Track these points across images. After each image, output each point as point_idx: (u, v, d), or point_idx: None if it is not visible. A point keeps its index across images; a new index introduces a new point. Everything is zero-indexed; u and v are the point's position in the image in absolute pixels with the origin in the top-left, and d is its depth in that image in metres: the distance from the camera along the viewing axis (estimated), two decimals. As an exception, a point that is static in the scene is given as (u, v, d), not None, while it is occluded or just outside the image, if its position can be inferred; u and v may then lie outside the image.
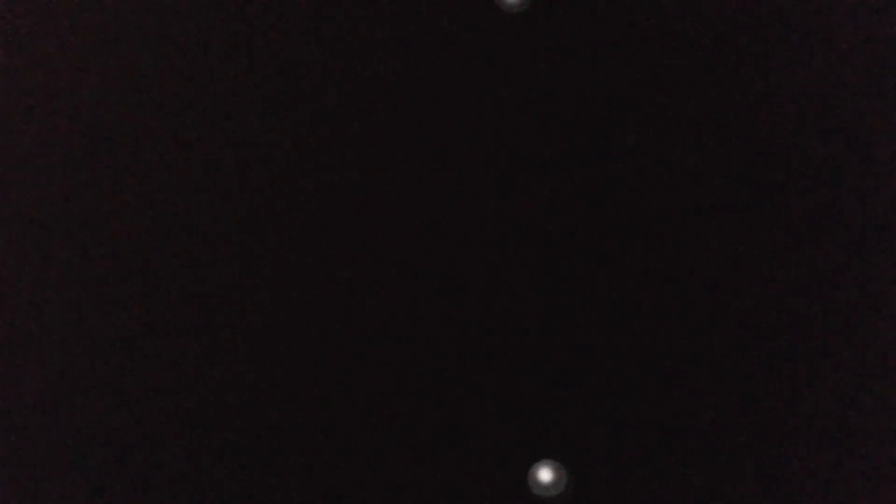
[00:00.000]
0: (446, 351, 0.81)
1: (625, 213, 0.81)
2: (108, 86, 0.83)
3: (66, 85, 0.84)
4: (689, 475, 0.80)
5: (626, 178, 0.81)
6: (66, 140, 0.83)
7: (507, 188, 0.82)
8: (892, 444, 0.79)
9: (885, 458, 0.79)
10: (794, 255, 0.80)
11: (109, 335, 0.82)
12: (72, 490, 0.83)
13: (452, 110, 0.82)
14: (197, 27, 0.83)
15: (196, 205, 0.82)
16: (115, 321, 0.82)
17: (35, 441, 0.83)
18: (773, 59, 0.81)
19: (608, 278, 0.81)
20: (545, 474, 0.80)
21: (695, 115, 0.81)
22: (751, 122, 0.81)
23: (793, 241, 0.80)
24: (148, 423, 0.82)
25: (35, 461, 0.83)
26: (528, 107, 0.82)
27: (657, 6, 0.81)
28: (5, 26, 0.83)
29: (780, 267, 0.80)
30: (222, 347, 0.82)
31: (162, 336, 0.82)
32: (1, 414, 0.83)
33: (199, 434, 0.82)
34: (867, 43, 0.80)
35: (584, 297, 0.81)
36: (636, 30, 0.81)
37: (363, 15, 0.83)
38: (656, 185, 0.81)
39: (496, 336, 0.81)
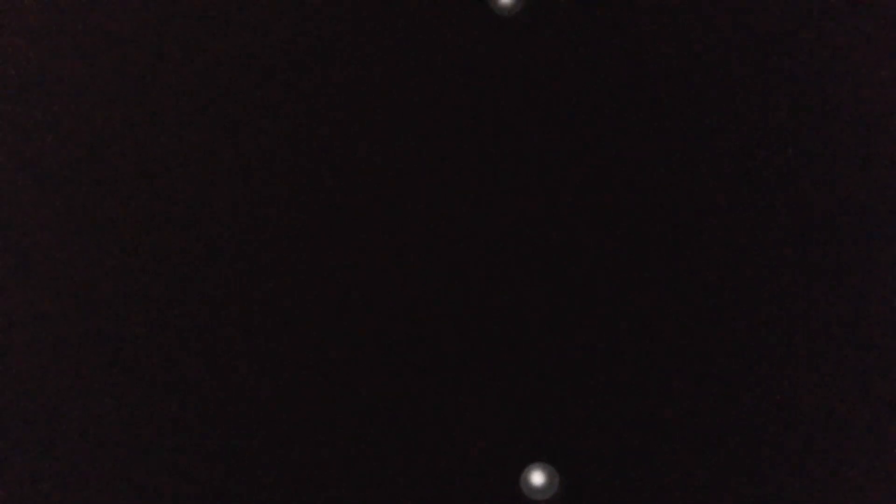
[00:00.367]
0: (439, 354, 0.81)
1: (618, 217, 0.82)
2: (107, 85, 0.82)
3: (66, 84, 0.81)
4: (682, 478, 0.81)
5: (622, 180, 0.82)
6: (66, 140, 0.81)
7: (500, 191, 0.82)
8: (892, 445, 0.82)
9: (884, 459, 0.82)
10: (791, 258, 0.82)
11: (109, 335, 0.81)
12: (72, 490, 0.81)
13: (447, 113, 0.82)
14: (193, 28, 0.82)
15: (194, 205, 0.81)
16: (115, 321, 0.81)
17: (35, 441, 0.80)
18: (772, 61, 0.82)
19: (601, 280, 0.81)
20: (537, 477, 0.80)
21: (691, 116, 0.82)
22: (749, 123, 0.82)
23: (791, 243, 0.82)
24: (148, 423, 0.81)
25: (35, 461, 0.81)
26: (522, 109, 0.82)
27: (652, 10, 0.82)
28: (5, 26, 0.80)
29: (777, 268, 0.82)
30: (221, 347, 0.81)
31: (162, 336, 0.81)
32: (1, 414, 0.80)
33: (199, 434, 0.80)
34: (867, 43, 0.82)
35: (577, 300, 0.81)
36: (631, 33, 0.82)
37: (357, 18, 0.82)
38: (652, 188, 0.82)
39: (489, 339, 0.81)
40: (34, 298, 0.81)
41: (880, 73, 0.82)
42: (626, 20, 0.82)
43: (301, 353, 0.81)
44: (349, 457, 0.81)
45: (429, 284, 0.81)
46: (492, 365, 0.81)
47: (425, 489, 0.81)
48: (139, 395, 0.81)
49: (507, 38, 0.82)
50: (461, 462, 0.81)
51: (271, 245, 0.81)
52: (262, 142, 0.82)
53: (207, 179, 0.81)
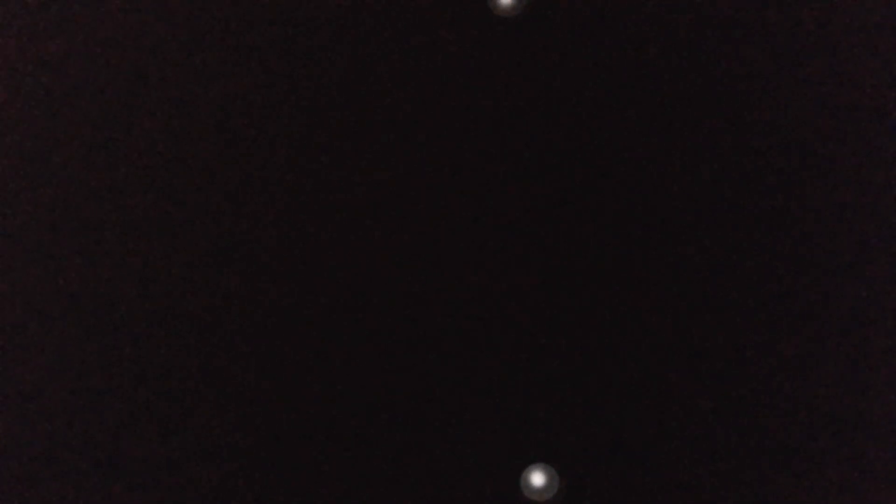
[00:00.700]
0: (439, 355, 0.81)
1: (618, 217, 0.82)
2: (107, 85, 0.82)
3: (66, 84, 0.82)
4: (682, 479, 0.81)
5: (622, 180, 0.82)
6: (66, 140, 0.82)
7: (500, 191, 0.82)
8: (892, 445, 0.82)
9: (884, 459, 0.82)
10: (791, 258, 0.82)
11: (108, 335, 0.81)
12: (71, 490, 0.80)
13: (447, 113, 0.82)
14: (194, 28, 0.82)
15: (194, 205, 0.81)
16: (114, 321, 0.81)
17: (34, 441, 0.80)
18: (772, 60, 0.83)
19: (601, 281, 0.81)
20: (537, 478, 0.80)
21: (691, 116, 0.82)
22: (749, 123, 0.82)
23: (790, 243, 0.82)
24: (148, 423, 0.81)
25: (34, 461, 0.80)
26: (522, 110, 0.82)
27: (652, 11, 0.83)
28: (5, 27, 0.81)
29: (777, 268, 0.82)
30: (221, 347, 0.81)
31: (161, 336, 0.81)
32: (1, 414, 0.80)
33: (199, 434, 0.80)
34: (867, 43, 0.83)
35: (577, 300, 0.81)
36: (631, 34, 0.83)
37: (357, 19, 0.82)
38: (652, 188, 0.82)
39: (489, 339, 0.81)
40: (34, 298, 0.81)
41: (881, 73, 0.83)
42: (625, 20, 0.83)
43: (301, 354, 0.81)
44: (349, 457, 0.81)
45: (429, 285, 0.81)
46: (492, 366, 0.81)
47: (425, 489, 0.81)
48: (139, 395, 0.81)
49: (507, 38, 0.82)
50: (461, 463, 0.80)
51: (271, 245, 0.81)
52: (261, 142, 0.82)
53: (207, 179, 0.82)
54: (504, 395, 0.81)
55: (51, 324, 0.81)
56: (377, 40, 0.82)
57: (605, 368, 0.81)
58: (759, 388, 0.81)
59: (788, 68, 0.83)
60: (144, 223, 0.81)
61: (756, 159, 0.82)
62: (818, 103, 0.82)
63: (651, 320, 0.81)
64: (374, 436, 0.81)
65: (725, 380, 0.81)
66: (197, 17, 0.83)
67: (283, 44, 0.82)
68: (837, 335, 0.82)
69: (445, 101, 0.82)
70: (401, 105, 0.82)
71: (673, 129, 0.82)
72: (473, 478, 0.81)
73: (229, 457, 0.81)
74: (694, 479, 0.81)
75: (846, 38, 0.83)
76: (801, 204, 0.82)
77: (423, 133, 0.82)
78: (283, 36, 0.82)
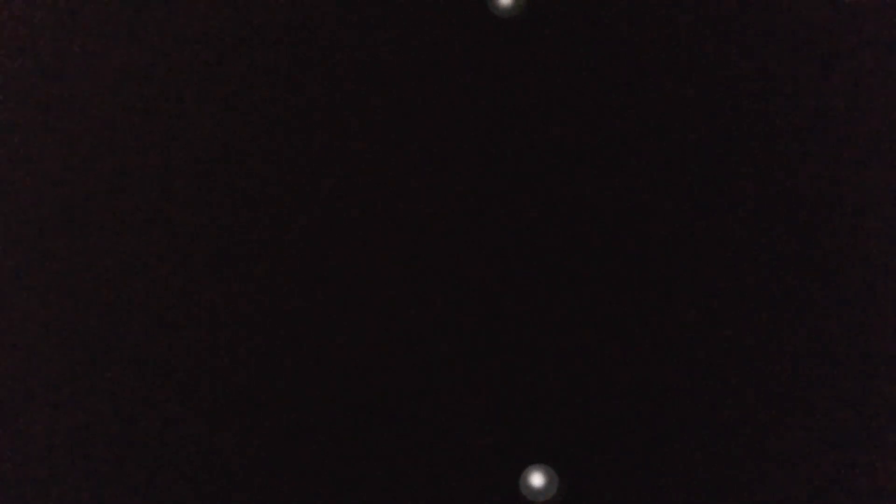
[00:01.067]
0: (438, 355, 0.81)
1: (618, 218, 0.81)
2: (108, 85, 0.82)
3: (66, 84, 0.82)
4: (681, 480, 0.81)
5: (622, 181, 0.82)
6: (66, 140, 0.82)
7: (500, 192, 0.82)
8: (892, 445, 0.81)
9: (884, 459, 0.81)
10: (790, 258, 0.81)
11: (108, 335, 0.81)
12: (71, 490, 0.81)
13: (446, 114, 0.82)
14: (194, 28, 0.82)
15: (193, 205, 0.82)
16: (114, 321, 0.81)
17: (33, 441, 0.81)
18: (772, 61, 0.82)
19: (600, 282, 0.81)
20: (537, 479, 0.80)
21: (691, 116, 0.82)
22: (749, 124, 0.82)
23: (790, 243, 0.81)
24: (148, 424, 0.81)
25: (34, 461, 0.81)
26: (521, 111, 0.82)
27: (652, 12, 0.82)
28: (5, 26, 0.82)
29: (777, 269, 0.81)
30: (220, 347, 0.81)
31: (160, 336, 0.81)
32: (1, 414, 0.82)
33: (196, 434, 0.81)
34: (866, 43, 0.82)
35: (576, 301, 0.81)
36: (630, 35, 0.82)
37: (357, 20, 0.83)
38: (652, 188, 0.81)
39: (488, 340, 0.81)
40: (34, 298, 0.82)
41: (880, 73, 0.82)
42: (624, 21, 0.82)
43: (300, 355, 0.81)
44: (349, 457, 0.81)
45: (429, 285, 0.81)
46: (491, 366, 0.81)
47: (425, 490, 0.81)
48: (138, 395, 0.81)
49: (507, 39, 0.82)
50: (461, 463, 0.81)
51: (271, 245, 0.82)
52: (261, 142, 0.82)
53: (207, 179, 0.82)
54: (503, 395, 0.81)
55: (51, 323, 0.82)
56: (376, 41, 0.83)
57: (604, 369, 0.81)
58: (758, 389, 0.81)
59: (788, 68, 0.82)
60: (144, 223, 0.82)
61: (756, 159, 0.82)
62: (818, 103, 0.82)
63: (651, 321, 0.81)
64: (374, 436, 0.81)
65: (725, 380, 0.81)
66: (196, 18, 0.83)
67: (281, 44, 0.83)
68: (838, 335, 0.81)
69: (444, 101, 0.82)
70: (400, 105, 0.82)
71: (672, 129, 0.82)
72: (473, 478, 0.81)
73: (229, 457, 0.81)
74: (693, 480, 0.81)
75: (846, 38, 0.82)
76: (799, 204, 0.81)
77: (422, 133, 0.82)
78: (281, 36, 0.83)
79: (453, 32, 0.82)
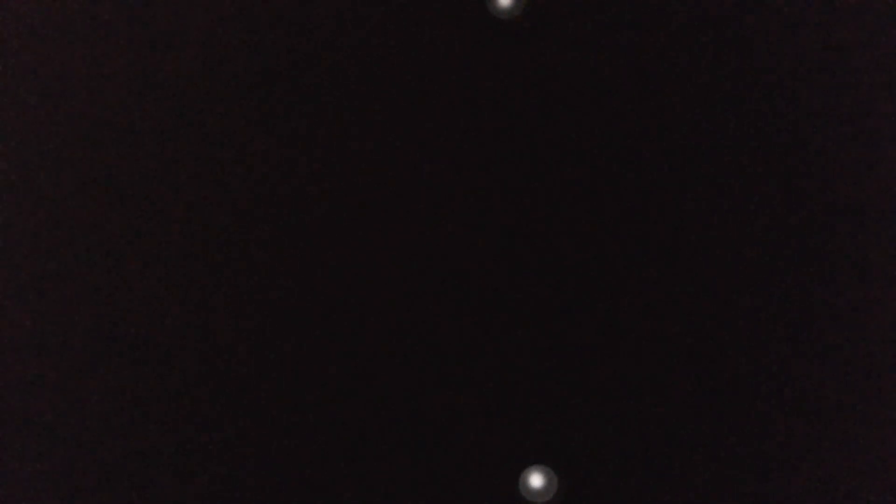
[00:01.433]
0: (438, 356, 0.81)
1: (618, 218, 0.82)
2: (108, 85, 0.82)
3: (66, 85, 0.82)
4: (681, 481, 0.81)
5: (621, 181, 0.82)
6: (66, 140, 0.82)
7: (498, 193, 0.82)
8: (893, 445, 0.81)
9: (884, 459, 0.81)
10: (790, 258, 0.82)
11: (108, 335, 0.81)
12: (70, 490, 0.81)
13: (445, 115, 0.82)
14: (194, 28, 0.82)
15: (194, 205, 0.81)
16: (114, 321, 0.81)
17: (32, 441, 0.81)
18: (772, 61, 0.82)
19: (600, 283, 0.81)
20: (536, 480, 0.80)
21: (691, 117, 0.82)
22: (749, 124, 0.82)
23: (789, 243, 0.82)
24: (148, 424, 0.81)
25: (33, 461, 0.81)
26: (520, 112, 0.82)
27: (652, 12, 0.82)
28: (5, 26, 0.81)
29: (776, 269, 0.82)
30: (221, 347, 0.81)
31: (160, 336, 0.81)
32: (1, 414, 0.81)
33: (195, 434, 0.81)
34: (866, 43, 0.82)
35: (576, 302, 0.81)
36: (629, 36, 0.82)
37: (356, 21, 0.82)
38: (651, 189, 0.82)
39: (488, 341, 0.81)
40: (34, 299, 0.81)
41: (880, 73, 0.82)
42: (624, 22, 0.82)
43: (300, 356, 0.81)
44: (348, 458, 0.81)
45: (428, 286, 0.81)
46: (490, 367, 0.81)
47: (424, 491, 0.81)
48: (138, 395, 0.81)
49: (506, 40, 0.82)
50: (460, 464, 0.81)
51: (270, 245, 0.81)
52: (260, 142, 0.82)
53: (207, 180, 0.82)
54: (503, 396, 0.81)
55: (50, 324, 0.81)
56: (375, 41, 0.82)
57: (604, 370, 0.81)
58: (758, 390, 0.81)
59: (788, 69, 0.82)
60: (144, 223, 0.82)
61: (755, 160, 0.82)
62: (817, 103, 0.82)
63: (650, 321, 0.81)
64: (373, 437, 0.81)
65: (725, 381, 0.81)
66: (197, 18, 0.83)
67: (280, 44, 0.82)
68: (838, 335, 0.81)
69: (443, 102, 0.82)
70: (399, 106, 0.82)
71: (672, 129, 0.82)
72: (472, 479, 0.81)
73: (230, 457, 0.81)
74: (693, 481, 0.81)
75: (846, 39, 0.83)
76: (798, 204, 0.82)
77: (421, 134, 0.82)
78: (280, 36, 0.82)
79: (452, 33, 0.82)
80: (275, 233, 0.82)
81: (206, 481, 0.81)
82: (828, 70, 0.82)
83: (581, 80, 0.82)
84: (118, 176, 0.82)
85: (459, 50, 0.82)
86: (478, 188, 0.82)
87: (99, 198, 0.82)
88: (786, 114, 0.82)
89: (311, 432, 0.81)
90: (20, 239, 0.82)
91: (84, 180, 0.82)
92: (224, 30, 0.82)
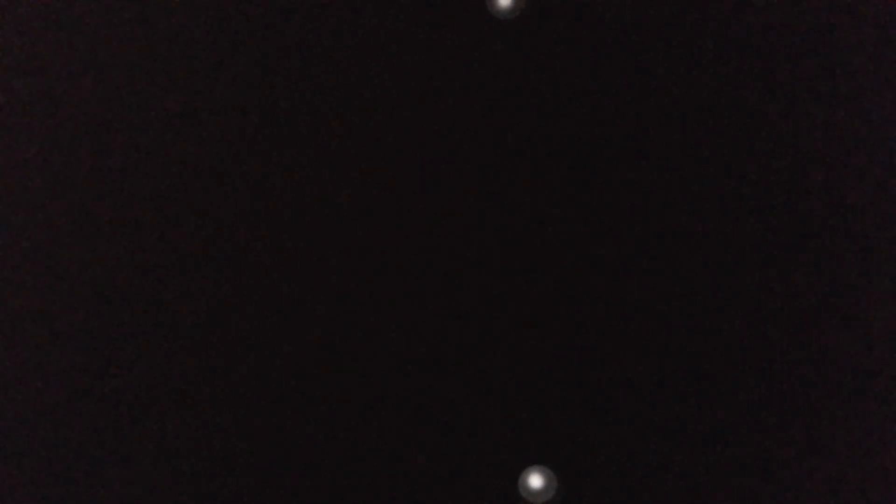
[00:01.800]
0: (438, 356, 0.81)
1: (617, 219, 0.82)
2: (108, 85, 0.82)
3: (67, 85, 0.82)
4: (680, 481, 0.81)
5: (621, 182, 0.82)
6: (66, 140, 0.82)
7: (498, 193, 0.82)
8: (893, 445, 0.81)
9: (884, 459, 0.81)
10: (790, 259, 0.82)
11: (108, 335, 0.81)
12: (71, 490, 0.81)
13: (445, 115, 0.82)
14: (194, 28, 0.82)
15: (193, 206, 0.81)
16: (114, 321, 0.81)
17: (33, 441, 0.81)
18: (772, 61, 0.82)
19: (599, 283, 0.81)
20: (535, 480, 0.80)
21: (691, 117, 0.82)
22: (747, 126, 0.82)
23: (789, 243, 0.82)
24: (148, 424, 0.81)
25: (34, 461, 0.81)
26: (520, 112, 0.82)
27: (651, 13, 0.82)
28: (5, 26, 0.81)
29: (776, 270, 0.82)
30: (220, 347, 0.81)
31: (160, 337, 0.81)
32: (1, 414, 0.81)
33: (195, 434, 0.81)
34: (867, 43, 0.82)
35: (576, 302, 0.81)
36: (629, 37, 0.82)
37: (356, 21, 0.82)
38: (651, 189, 0.82)
39: (487, 342, 0.81)
40: (34, 299, 0.82)
41: (880, 73, 0.82)
42: (623, 23, 0.82)
43: (300, 356, 0.81)
44: (348, 458, 0.81)
45: (428, 287, 0.81)
46: (490, 368, 0.81)
47: (424, 491, 0.81)
48: (138, 395, 0.81)
49: (506, 40, 0.82)
50: (459, 465, 0.81)
51: (270, 246, 0.82)
52: (260, 142, 0.82)
53: (207, 180, 0.82)
54: (502, 397, 0.81)
55: (50, 324, 0.82)
56: (375, 42, 0.82)
57: (603, 371, 0.81)
58: (758, 390, 0.81)
59: (788, 69, 0.82)
60: (144, 223, 0.82)
61: (755, 160, 0.82)
62: (816, 103, 0.82)
63: (650, 322, 0.81)
64: (373, 437, 0.81)
65: (725, 381, 0.81)
66: (195, 18, 0.83)
67: (280, 44, 0.82)
68: (838, 336, 0.81)
69: (443, 102, 0.82)
70: (399, 106, 0.82)
71: (672, 130, 0.82)
72: (471, 480, 0.81)
73: (230, 457, 0.81)
74: (692, 481, 0.81)
75: (847, 38, 0.82)
76: (800, 204, 0.82)
77: (421, 134, 0.82)
78: (279, 36, 0.82)
79: (452, 34, 0.82)
80: (275, 233, 0.82)
81: (206, 481, 0.81)
82: (828, 70, 0.82)
83: (580, 80, 0.82)
84: (118, 175, 0.82)
85: (459, 50, 0.82)
86: (477, 188, 0.82)
87: (99, 197, 0.82)
88: (785, 114, 0.82)
89: (311, 432, 0.81)
90: (20, 239, 0.82)
91: (84, 180, 0.82)
92: (224, 30, 0.82)
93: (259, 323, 0.81)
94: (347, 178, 0.82)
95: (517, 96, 0.82)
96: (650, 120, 0.82)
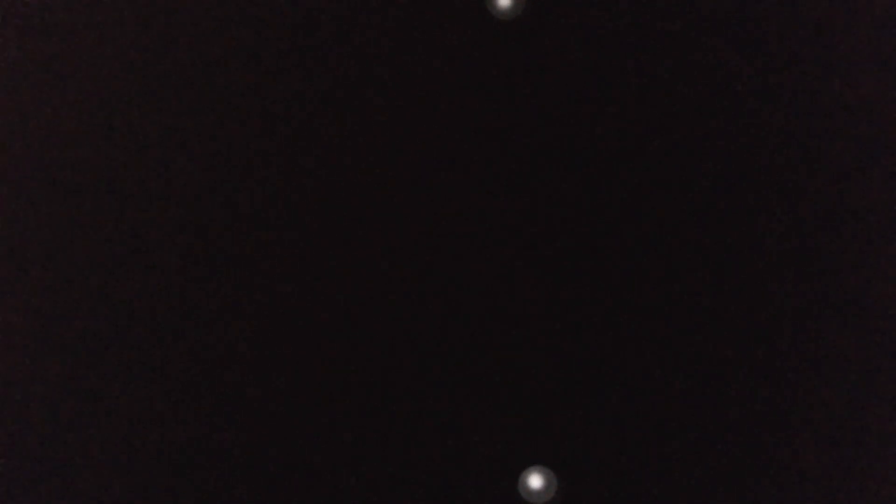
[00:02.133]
0: (438, 357, 0.81)
1: (617, 220, 0.81)
2: (108, 85, 0.82)
3: (66, 85, 0.82)
4: (680, 482, 0.81)
5: (621, 183, 0.82)
6: (66, 140, 0.82)
7: (497, 194, 0.82)
8: (892, 444, 0.81)
9: (884, 459, 0.81)
10: (790, 259, 0.81)
11: (107, 335, 0.81)
12: (70, 490, 0.81)
13: (445, 116, 0.82)
14: (193, 28, 0.82)
15: (193, 205, 0.81)
16: (114, 321, 0.81)
17: (32, 441, 0.81)
18: (772, 62, 0.82)
19: (599, 283, 0.81)
20: (535, 481, 0.80)
21: (691, 117, 0.82)
22: (749, 125, 0.82)
23: (789, 244, 0.82)
24: (147, 424, 0.81)
25: (33, 461, 0.81)
26: (520, 113, 0.82)
27: (651, 13, 0.82)
28: (5, 26, 0.81)
29: (776, 270, 0.81)
30: (221, 347, 0.81)
31: (160, 337, 0.81)
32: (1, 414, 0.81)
33: (195, 434, 0.81)
34: (867, 43, 0.82)
35: (575, 302, 0.81)
36: (629, 37, 0.82)
37: (356, 22, 0.82)
38: (652, 190, 0.81)
39: (487, 341, 0.81)
40: (34, 299, 0.82)
41: (880, 73, 0.82)
42: (624, 23, 0.82)
43: (300, 357, 0.81)
44: (348, 458, 0.81)
45: (427, 287, 0.81)
46: (490, 368, 0.81)
47: (424, 491, 0.81)
48: (137, 395, 0.81)
49: (506, 41, 0.82)
50: (459, 465, 0.81)
51: (269, 246, 0.82)
52: (259, 143, 0.82)
53: (207, 180, 0.82)
54: (502, 397, 0.81)
55: (50, 324, 0.82)
56: (374, 42, 0.82)
57: (603, 371, 0.81)
58: (758, 391, 0.81)
59: (788, 69, 0.82)
60: (144, 223, 0.82)
61: (755, 160, 0.82)
62: (817, 103, 0.82)
63: (649, 323, 0.81)
64: (373, 437, 0.81)
65: (724, 382, 0.81)
66: (195, 18, 0.83)
67: (279, 44, 0.82)
68: (837, 336, 0.81)
69: (442, 103, 0.82)
70: (398, 107, 0.82)
71: (672, 130, 0.82)
72: (471, 480, 0.81)
73: (230, 457, 0.81)
74: (692, 482, 0.81)
75: (846, 39, 0.82)
76: (800, 204, 0.82)
77: (420, 134, 0.82)
78: (279, 36, 0.82)
79: (452, 34, 0.82)
80: (275, 233, 0.82)
81: (206, 482, 0.81)
82: (828, 70, 0.82)
83: (581, 80, 0.82)
84: (118, 175, 0.82)
85: (459, 50, 0.82)
86: (477, 188, 0.82)
87: (98, 198, 0.82)
88: (785, 114, 0.82)
89: (311, 432, 0.81)
90: (20, 239, 0.82)
91: (83, 180, 0.82)
92: (224, 29, 0.83)
93: (259, 323, 0.81)
94: (347, 178, 0.82)
95: (517, 96, 0.82)
96: (650, 120, 0.82)
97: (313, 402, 0.81)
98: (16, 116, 0.82)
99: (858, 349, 0.81)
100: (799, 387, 0.81)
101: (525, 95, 0.82)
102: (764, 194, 0.82)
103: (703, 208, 0.81)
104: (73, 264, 0.82)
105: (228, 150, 0.82)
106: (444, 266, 0.81)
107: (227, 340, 0.81)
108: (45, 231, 0.82)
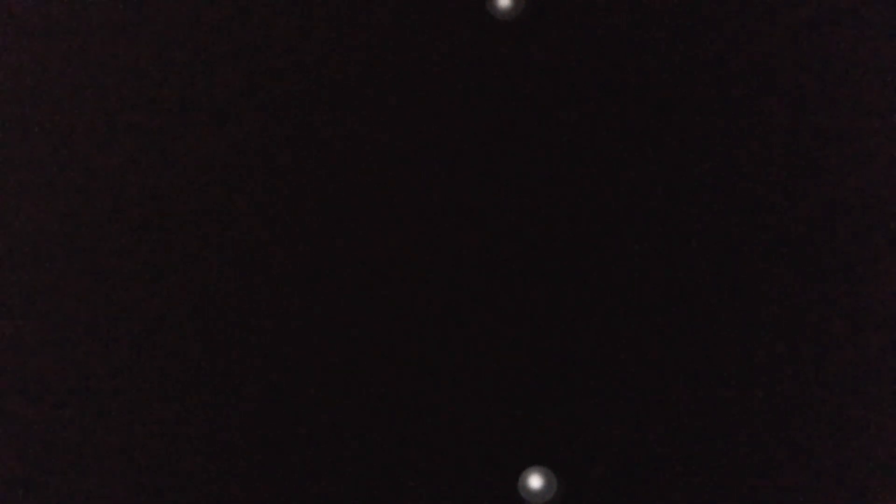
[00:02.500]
0: (437, 357, 0.81)
1: (617, 220, 0.81)
2: (108, 85, 0.82)
3: (67, 85, 0.82)
4: (680, 482, 0.81)
5: (621, 183, 0.82)
6: (66, 140, 0.82)
7: (497, 194, 0.82)
8: (892, 444, 0.81)
9: (884, 459, 0.81)
10: (789, 259, 0.81)
11: (108, 335, 0.81)
12: (71, 490, 0.81)
13: (445, 116, 0.82)
14: (193, 28, 0.82)
15: (193, 205, 0.82)
16: (114, 321, 0.81)
17: (33, 441, 0.81)
18: (772, 62, 0.82)
19: (599, 283, 0.81)
20: (535, 481, 0.80)
21: (691, 118, 0.82)
22: (747, 127, 0.82)
23: (789, 244, 0.81)
24: (146, 425, 0.81)
25: (34, 461, 0.81)
26: (520, 113, 0.82)
27: (651, 13, 0.82)
28: (5, 26, 0.81)
29: (775, 270, 0.81)
30: (222, 348, 0.81)
31: (159, 337, 0.81)
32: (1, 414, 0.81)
33: (195, 434, 0.81)
34: (867, 43, 0.82)
35: (575, 303, 0.81)
36: (629, 37, 0.82)
37: (356, 22, 0.82)
38: (651, 190, 0.81)
39: (487, 342, 0.81)
40: (34, 299, 0.82)
41: (880, 73, 0.82)
42: (624, 23, 0.82)
43: (300, 356, 0.81)
44: (348, 458, 0.81)
45: (427, 287, 0.81)
46: (490, 368, 0.81)
47: (424, 491, 0.81)
48: (138, 396, 0.81)
49: (505, 41, 0.82)
50: (459, 465, 0.81)
51: (270, 245, 0.82)
52: (259, 143, 0.82)
53: (207, 180, 0.82)
54: (502, 397, 0.81)
55: (50, 324, 0.82)
56: (375, 42, 0.82)
57: (603, 371, 0.81)
58: (757, 391, 0.81)
59: (788, 69, 0.82)
60: (144, 223, 0.82)
61: (755, 160, 0.82)
62: (816, 103, 0.82)
63: (650, 323, 0.81)
64: (373, 437, 0.81)
65: (725, 383, 0.81)
66: (196, 18, 0.83)
67: (279, 44, 0.82)
68: (837, 336, 0.81)
69: (442, 103, 0.82)
70: (398, 107, 0.82)
71: (672, 130, 0.82)
72: (471, 480, 0.81)
73: (230, 457, 0.81)
74: (692, 482, 0.81)
75: (847, 38, 0.82)
76: (799, 204, 0.82)
77: (420, 134, 0.82)
78: (279, 36, 0.82)
79: (452, 33, 0.82)
80: (273, 233, 0.82)
81: (206, 481, 0.81)
82: (828, 70, 0.82)
83: (581, 80, 0.82)
84: (118, 175, 0.82)
85: (459, 50, 0.82)
86: (477, 188, 0.82)
87: (98, 197, 0.82)
88: (785, 114, 0.82)
89: (311, 432, 0.81)
90: (20, 239, 0.82)
91: (83, 180, 0.82)
92: (224, 29, 0.83)
93: (259, 323, 0.81)
94: (347, 178, 0.82)
95: (517, 96, 0.82)
96: (650, 120, 0.82)
97: (313, 402, 0.81)
98: (15, 116, 0.83)
99: (858, 349, 0.81)
100: (799, 387, 0.81)
101: (525, 95, 0.82)
102: (764, 194, 0.82)
103: (702, 208, 0.81)
104: (73, 264, 0.82)
105: (228, 150, 0.82)
106: (445, 266, 0.81)
107: (227, 340, 0.81)
108: (45, 231, 0.82)
